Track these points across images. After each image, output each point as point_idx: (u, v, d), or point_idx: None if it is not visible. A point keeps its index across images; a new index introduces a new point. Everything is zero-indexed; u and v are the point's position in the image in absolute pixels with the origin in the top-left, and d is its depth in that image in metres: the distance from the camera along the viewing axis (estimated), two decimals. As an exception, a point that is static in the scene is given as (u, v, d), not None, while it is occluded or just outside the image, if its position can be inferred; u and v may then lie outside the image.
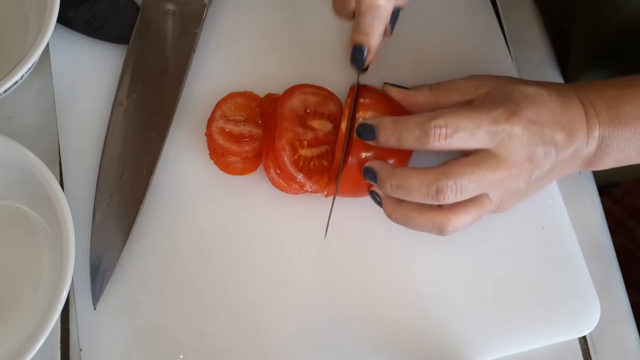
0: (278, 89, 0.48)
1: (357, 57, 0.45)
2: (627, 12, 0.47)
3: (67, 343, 0.45)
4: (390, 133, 0.41)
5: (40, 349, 0.39)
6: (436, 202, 0.40)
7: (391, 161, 0.43)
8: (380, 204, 0.43)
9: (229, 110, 0.47)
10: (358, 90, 0.45)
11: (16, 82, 0.45)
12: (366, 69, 0.46)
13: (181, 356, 0.44)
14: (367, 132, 0.42)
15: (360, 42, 0.44)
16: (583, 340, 0.46)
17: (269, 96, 0.48)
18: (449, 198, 0.39)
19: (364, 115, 0.44)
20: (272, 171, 0.45)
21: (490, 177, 0.39)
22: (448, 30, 0.52)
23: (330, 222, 0.45)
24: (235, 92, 0.48)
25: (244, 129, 0.47)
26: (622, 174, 0.74)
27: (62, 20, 0.48)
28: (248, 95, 0.48)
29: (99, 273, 0.44)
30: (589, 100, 0.41)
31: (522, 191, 0.41)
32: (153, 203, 0.47)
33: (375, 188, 0.43)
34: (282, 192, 0.46)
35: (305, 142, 0.45)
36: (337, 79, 0.49)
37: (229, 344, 0.44)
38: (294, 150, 0.45)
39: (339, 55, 0.50)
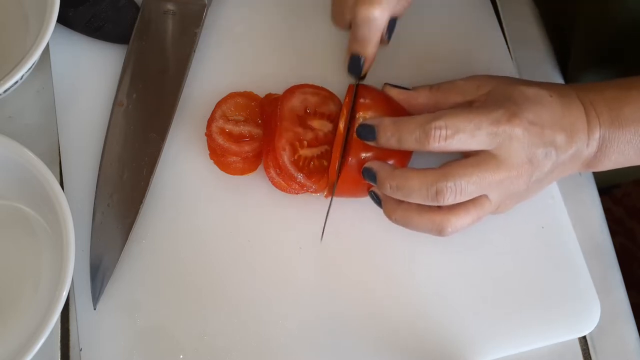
0: (278, 89, 0.48)
1: (354, 66, 0.45)
2: (627, 12, 0.47)
3: (67, 343, 0.45)
4: (391, 134, 0.41)
5: (40, 349, 0.39)
6: (436, 204, 0.40)
7: (391, 162, 0.43)
8: (379, 204, 0.43)
9: (229, 110, 0.47)
10: (358, 91, 0.45)
11: (16, 82, 0.45)
12: (364, 76, 0.47)
13: (181, 356, 0.44)
14: (367, 132, 0.42)
15: (357, 52, 0.45)
16: (583, 340, 0.46)
17: (269, 96, 0.48)
18: (449, 200, 0.39)
19: (364, 116, 0.44)
20: (272, 171, 0.45)
21: (490, 179, 0.39)
22: (448, 30, 0.52)
23: (330, 223, 0.45)
24: (235, 92, 0.48)
25: (244, 129, 0.47)
26: (621, 176, 0.74)
27: (62, 20, 0.48)
28: (248, 95, 0.48)
29: (99, 273, 0.44)
30: (590, 101, 0.41)
31: (521, 192, 0.41)
32: (153, 203, 0.47)
33: (374, 188, 0.43)
34: (282, 192, 0.46)
35: (305, 142, 0.45)
36: (337, 79, 0.49)
37: (229, 344, 0.44)
38: (294, 150, 0.45)
39: (339, 55, 0.50)
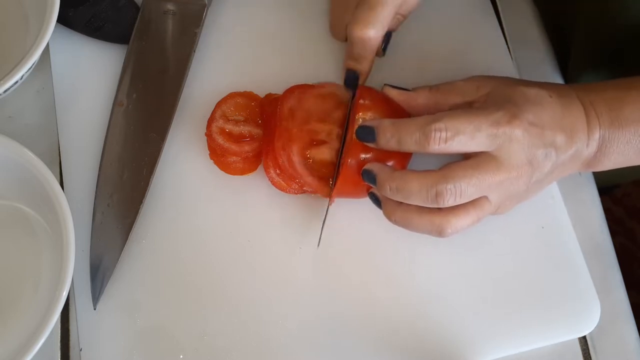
0: (278, 89, 0.48)
1: (350, 80, 0.47)
2: (627, 12, 0.47)
3: (67, 343, 0.45)
4: (390, 135, 0.41)
5: (40, 349, 0.39)
6: (435, 206, 0.40)
7: (390, 163, 0.43)
8: (379, 205, 0.43)
9: (229, 110, 0.47)
10: (358, 91, 0.45)
11: (16, 82, 0.45)
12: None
13: (181, 356, 0.44)
14: (367, 134, 0.42)
15: (352, 67, 0.46)
16: (583, 340, 0.46)
17: (269, 96, 0.48)
18: (449, 201, 0.39)
19: (364, 117, 0.44)
20: (272, 171, 0.45)
21: (490, 180, 0.39)
22: (448, 30, 0.52)
23: (330, 223, 0.45)
24: (235, 92, 0.48)
25: (244, 129, 0.47)
26: (621, 176, 0.74)
27: (62, 20, 0.48)
28: (248, 95, 0.48)
29: (99, 273, 0.44)
30: (590, 101, 0.41)
31: (521, 193, 0.41)
32: (153, 203, 0.47)
33: (374, 190, 0.43)
34: (282, 192, 0.46)
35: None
36: (337, 79, 0.49)
37: (229, 344, 0.44)
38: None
39: (339, 55, 0.50)
